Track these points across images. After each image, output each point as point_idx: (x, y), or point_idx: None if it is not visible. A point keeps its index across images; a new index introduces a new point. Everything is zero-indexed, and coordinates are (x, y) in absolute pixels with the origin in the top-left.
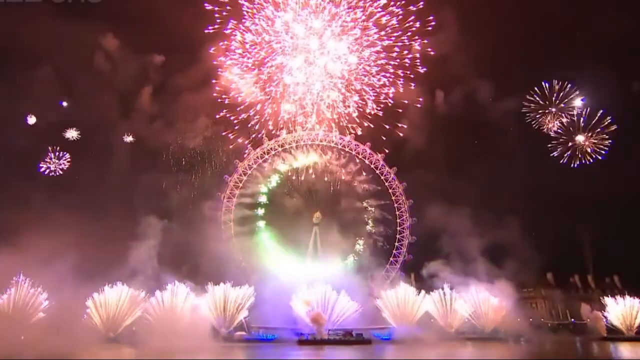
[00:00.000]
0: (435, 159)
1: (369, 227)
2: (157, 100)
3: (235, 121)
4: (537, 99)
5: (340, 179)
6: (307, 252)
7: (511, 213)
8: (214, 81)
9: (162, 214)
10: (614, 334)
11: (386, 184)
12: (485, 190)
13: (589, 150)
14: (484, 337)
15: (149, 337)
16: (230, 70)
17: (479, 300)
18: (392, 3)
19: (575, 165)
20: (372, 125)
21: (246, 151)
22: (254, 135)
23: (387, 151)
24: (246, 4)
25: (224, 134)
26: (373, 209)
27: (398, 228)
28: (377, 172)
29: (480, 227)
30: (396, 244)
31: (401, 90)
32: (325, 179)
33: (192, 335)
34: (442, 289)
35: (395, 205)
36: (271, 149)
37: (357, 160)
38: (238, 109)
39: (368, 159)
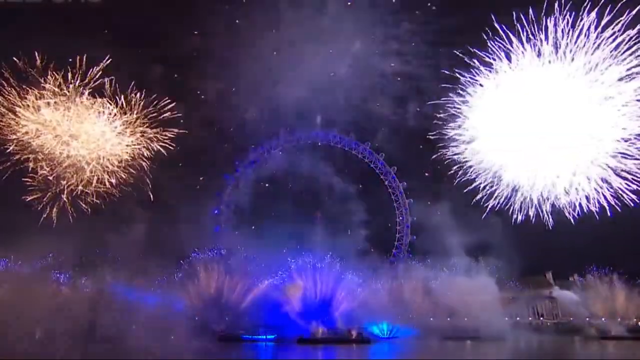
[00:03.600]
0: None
1: (367, 227)
2: None
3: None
4: None
5: (337, 178)
6: (306, 251)
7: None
8: None
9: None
10: (607, 333)
11: (386, 183)
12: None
13: None
14: (477, 336)
15: (142, 336)
16: None
17: (467, 298)
18: None
19: None
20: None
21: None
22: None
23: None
24: None
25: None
26: (370, 209)
27: (398, 227)
28: (377, 171)
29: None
30: (396, 242)
31: None
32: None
33: (189, 334)
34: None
35: (395, 204)
36: (271, 148)
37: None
38: None
39: (368, 158)
